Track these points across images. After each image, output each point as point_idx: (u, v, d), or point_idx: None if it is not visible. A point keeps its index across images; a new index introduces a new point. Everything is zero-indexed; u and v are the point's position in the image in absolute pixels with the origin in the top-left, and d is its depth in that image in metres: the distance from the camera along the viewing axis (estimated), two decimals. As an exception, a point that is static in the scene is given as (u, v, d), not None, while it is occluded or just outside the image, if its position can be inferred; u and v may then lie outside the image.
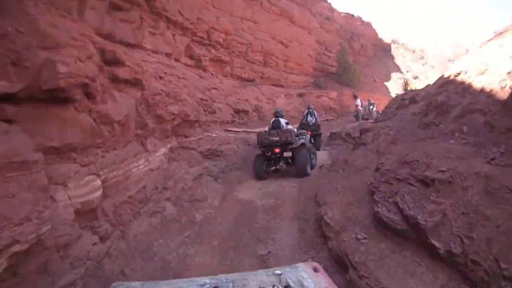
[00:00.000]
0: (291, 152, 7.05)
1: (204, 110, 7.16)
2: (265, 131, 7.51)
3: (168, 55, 8.01)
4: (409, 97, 5.35)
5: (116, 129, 3.58)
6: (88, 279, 2.70)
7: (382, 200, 3.17)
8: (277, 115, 7.75)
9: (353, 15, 22.37)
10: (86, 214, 2.96)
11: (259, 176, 7.13)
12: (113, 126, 3.51)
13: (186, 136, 6.25)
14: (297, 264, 1.66)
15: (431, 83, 5.56)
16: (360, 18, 22.83)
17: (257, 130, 10.08)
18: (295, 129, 7.73)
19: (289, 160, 7.16)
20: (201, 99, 7.21)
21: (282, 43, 15.30)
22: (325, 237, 3.76)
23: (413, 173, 3.03)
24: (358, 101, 14.29)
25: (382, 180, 3.36)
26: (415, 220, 2.66)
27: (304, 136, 7.74)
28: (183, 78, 6.94)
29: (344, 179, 4.55)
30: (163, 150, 5.00)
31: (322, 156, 8.99)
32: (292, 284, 1.46)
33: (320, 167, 7.40)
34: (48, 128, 2.72)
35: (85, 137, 3.06)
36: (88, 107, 3.21)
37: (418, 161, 3.09)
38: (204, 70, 10.38)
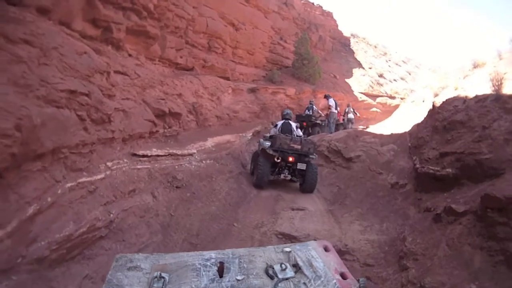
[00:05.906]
0: (305, 165, 6.24)
1: (81, 118, 3.65)
2: (286, 135, 6.44)
3: (41, 11, 4.30)
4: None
5: None
6: None
7: None
8: (287, 117, 7.06)
9: (313, 3, 20.09)
10: None
11: (261, 183, 6.24)
12: None
13: None
14: (307, 242, 1.59)
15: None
16: (321, 7, 20.70)
17: (193, 149, 6.38)
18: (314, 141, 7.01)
19: (296, 173, 6.36)
20: (72, 91, 3.36)
21: (232, 24, 12.30)
22: None
23: None
24: (332, 102, 11.52)
25: None
26: None
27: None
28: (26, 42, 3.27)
29: None
30: None
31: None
32: (300, 263, 1.40)
33: None
34: None
35: None
36: None
37: None
38: (118, 47, 6.64)
